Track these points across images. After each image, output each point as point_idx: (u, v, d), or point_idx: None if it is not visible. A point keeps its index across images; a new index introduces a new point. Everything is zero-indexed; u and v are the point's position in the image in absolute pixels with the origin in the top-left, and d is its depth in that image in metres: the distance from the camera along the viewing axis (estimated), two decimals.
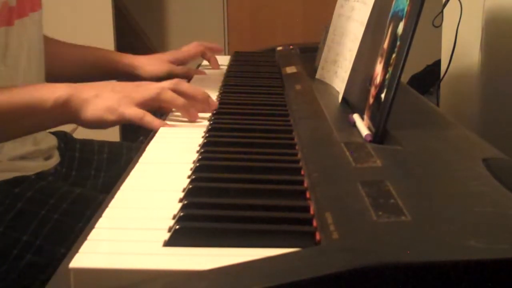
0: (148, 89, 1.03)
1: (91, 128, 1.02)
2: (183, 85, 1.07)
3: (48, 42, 1.31)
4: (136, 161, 0.85)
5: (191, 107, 1.05)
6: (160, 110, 1.08)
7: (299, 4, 3.38)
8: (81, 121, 1.01)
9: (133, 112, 0.99)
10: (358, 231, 0.58)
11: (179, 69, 1.46)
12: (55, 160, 1.22)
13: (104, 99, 1.00)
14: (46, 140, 1.21)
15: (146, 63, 1.44)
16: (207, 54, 1.55)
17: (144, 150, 0.90)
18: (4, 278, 1.02)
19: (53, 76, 1.30)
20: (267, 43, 1.86)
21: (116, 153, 1.35)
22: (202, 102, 1.07)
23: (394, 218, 0.58)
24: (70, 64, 1.41)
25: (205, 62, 1.60)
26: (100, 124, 1.00)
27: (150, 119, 1.00)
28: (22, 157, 1.12)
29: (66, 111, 1.00)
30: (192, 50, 1.53)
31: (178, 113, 1.06)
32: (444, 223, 0.58)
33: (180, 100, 1.03)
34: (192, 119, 1.04)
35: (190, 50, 1.53)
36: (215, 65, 1.56)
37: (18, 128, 1.03)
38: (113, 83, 1.06)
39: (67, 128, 1.40)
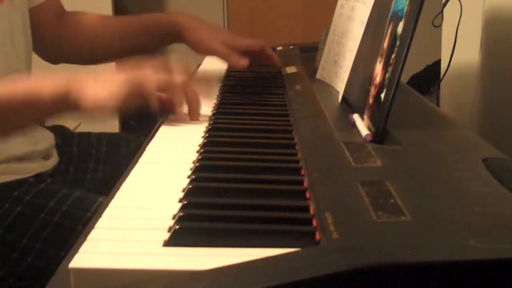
0: (151, 78, 0.99)
1: (93, 115, 0.98)
2: (192, 86, 1.04)
3: (95, 19, 1.34)
4: (136, 161, 0.85)
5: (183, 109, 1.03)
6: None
7: (299, 4, 3.38)
8: (82, 108, 0.97)
9: (131, 75, 0.97)
10: (358, 231, 0.58)
11: (223, 55, 1.32)
12: (53, 160, 1.22)
13: (103, 82, 0.98)
14: (44, 139, 1.20)
15: (198, 32, 1.34)
16: (266, 52, 1.39)
17: (144, 150, 0.90)
18: (5, 281, 1.02)
19: (114, 50, 1.33)
20: (267, 43, 1.85)
21: (115, 146, 1.34)
22: (193, 110, 1.05)
23: (394, 218, 0.58)
24: (127, 35, 1.39)
25: (204, 65, 1.57)
26: (101, 106, 0.96)
27: (148, 72, 0.97)
28: (20, 158, 1.12)
29: (65, 101, 0.97)
30: (252, 46, 1.38)
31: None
32: (444, 223, 0.58)
33: (178, 98, 1.01)
34: (180, 120, 1.03)
35: (251, 45, 1.37)
36: (276, 62, 1.39)
37: (16, 121, 1.01)
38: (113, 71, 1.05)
39: (68, 124, 1.41)
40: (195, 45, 1.33)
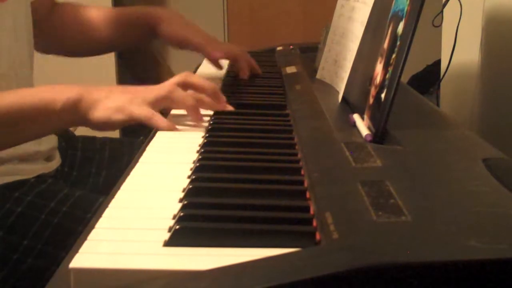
0: (159, 89, 1.01)
1: (100, 129, 1.00)
2: (193, 77, 1.05)
3: (80, 9, 1.36)
4: (136, 161, 0.85)
5: (198, 109, 1.03)
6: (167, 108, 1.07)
7: (299, 4, 3.38)
8: (90, 122, 0.99)
9: (143, 112, 0.97)
10: (358, 231, 0.58)
11: (198, 43, 1.33)
12: (56, 162, 1.21)
13: (114, 100, 0.98)
14: (47, 140, 1.20)
15: (173, 24, 1.35)
16: (240, 62, 1.37)
17: (144, 150, 0.90)
18: (6, 282, 1.02)
19: (93, 41, 1.34)
20: (267, 43, 1.85)
21: (118, 151, 1.34)
22: (211, 95, 1.05)
23: (394, 218, 0.58)
24: (106, 26, 1.39)
25: (203, 67, 1.56)
26: (108, 124, 0.98)
27: (159, 119, 0.98)
28: (22, 159, 1.12)
29: (76, 112, 0.98)
30: (229, 52, 1.38)
31: (180, 112, 1.06)
32: (444, 223, 0.58)
33: (190, 101, 1.02)
34: (196, 122, 1.03)
35: (228, 51, 1.38)
36: (244, 73, 1.37)
37: (27, 130, 1.01)
38: (125, 86, 1.05)
39: None
40: (169, 37, 1.36)
